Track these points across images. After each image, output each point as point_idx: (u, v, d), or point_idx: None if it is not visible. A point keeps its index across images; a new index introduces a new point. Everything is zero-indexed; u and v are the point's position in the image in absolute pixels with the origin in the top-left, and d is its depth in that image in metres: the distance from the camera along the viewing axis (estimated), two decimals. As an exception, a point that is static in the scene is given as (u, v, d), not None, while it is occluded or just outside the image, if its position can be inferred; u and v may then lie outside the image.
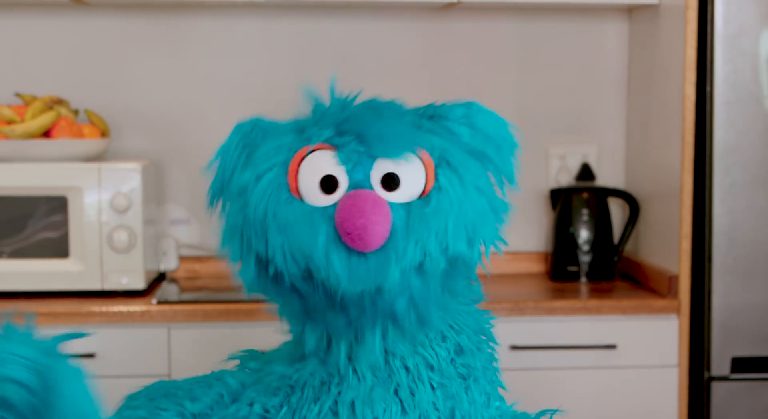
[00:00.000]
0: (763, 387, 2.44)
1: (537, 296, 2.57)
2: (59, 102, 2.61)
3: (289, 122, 1.30)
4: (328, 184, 1.20)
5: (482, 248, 1.25)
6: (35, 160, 2.49)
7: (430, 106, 1.31)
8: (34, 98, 2.61)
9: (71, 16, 2.77)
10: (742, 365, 2.43)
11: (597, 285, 2.67)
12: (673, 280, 2.47)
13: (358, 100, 1.29)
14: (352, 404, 1.23)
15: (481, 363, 1.31)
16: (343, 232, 1.14)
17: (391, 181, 1.20)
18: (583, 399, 2.45)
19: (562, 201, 2.77)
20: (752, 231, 2.41)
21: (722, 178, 2.41)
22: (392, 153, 1.21)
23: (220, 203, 1.30)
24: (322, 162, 1.21)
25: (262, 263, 1.21)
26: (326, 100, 1.28)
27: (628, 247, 2.82)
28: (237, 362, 1.40)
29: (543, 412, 1.36)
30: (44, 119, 2.53)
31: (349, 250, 1.15)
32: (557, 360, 2.42)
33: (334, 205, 1.18)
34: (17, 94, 2.65)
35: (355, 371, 1.24)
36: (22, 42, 2.77)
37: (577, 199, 2.75)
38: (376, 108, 1.27)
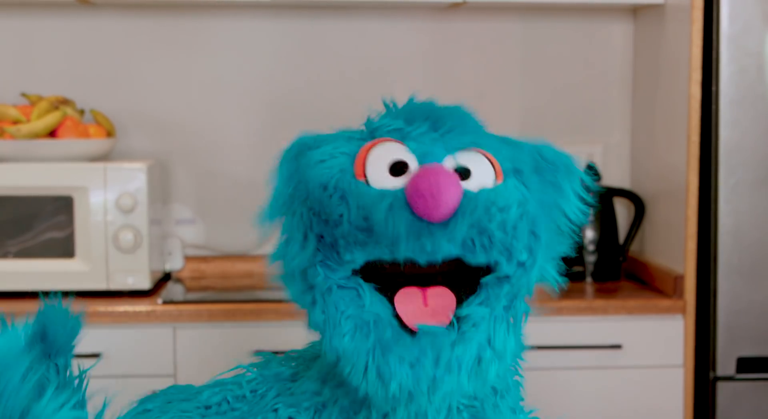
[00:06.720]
0: (768, 387, 2.44)
1: (542, 296, 2.56)
2: (65, 102, 2.61)
3: (342, 131, 1.25)
4: (398, 168, 1.15)
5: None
6: (41, 160, 2.50)
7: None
8: (40, 98, 2.61)
9: (77, 17, 2.77)
10: (747, 365, 2.42)
11: (602, 285, 2.67)
12: (678, 280, 2.47)
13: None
14: None
15: (509, 380, 1.31)
16: (414, 191, 1.07)
17: (462, 171, 1.15)
18: (589, 400, 2.45)
19: (567, 201, 2.76)
20: (757, 230, 2.41)
21: (727, 177, 2.40)
22: (466, 141, 1.18)
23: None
24: (392, 150, 1.17)
25: (316, 233, 1.14)
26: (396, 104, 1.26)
27: (634, 247, 2.82)
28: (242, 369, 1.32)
29: None
30: (50, 119, 2.53)
31: (414, 216, 1.08)
32: (562, 360, 2.42)
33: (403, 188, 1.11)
34: (23, 94, 2.65)
35: (386, 391, 1.12)
36: (28, 42, 2.77)
37: (582, 199, 2.74)
38: (449, 107, 1.24)
